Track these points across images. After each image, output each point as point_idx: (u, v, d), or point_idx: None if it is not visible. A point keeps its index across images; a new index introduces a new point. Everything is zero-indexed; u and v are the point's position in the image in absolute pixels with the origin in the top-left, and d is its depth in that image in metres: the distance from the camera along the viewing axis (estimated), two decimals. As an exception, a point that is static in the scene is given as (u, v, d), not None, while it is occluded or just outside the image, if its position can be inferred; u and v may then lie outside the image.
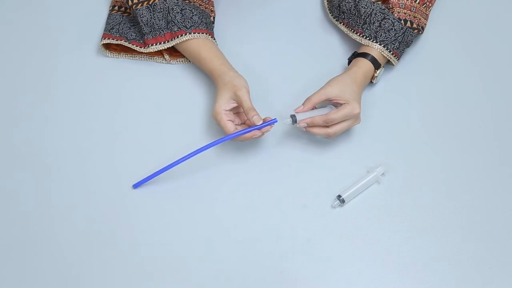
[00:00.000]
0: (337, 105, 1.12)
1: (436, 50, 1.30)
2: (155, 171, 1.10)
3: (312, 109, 1.12)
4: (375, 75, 1.20)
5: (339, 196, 1.11)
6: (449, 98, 1.24)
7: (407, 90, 1.25)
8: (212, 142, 1.08)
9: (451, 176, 1.15)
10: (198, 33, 1.21)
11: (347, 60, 1.23)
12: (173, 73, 1.26)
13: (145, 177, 1.11)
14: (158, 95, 1.23)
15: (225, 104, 1.11)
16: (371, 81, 1.21)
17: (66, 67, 1.26)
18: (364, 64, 1.18)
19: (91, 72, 1.26)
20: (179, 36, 1.20)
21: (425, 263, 1.07)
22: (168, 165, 1.08)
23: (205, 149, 1.08)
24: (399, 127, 1.20)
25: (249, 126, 1.11)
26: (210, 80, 1.23)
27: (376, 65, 1.19)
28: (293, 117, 1.10)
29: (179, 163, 1.08)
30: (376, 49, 1.19)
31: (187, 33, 1.20)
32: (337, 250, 1.08)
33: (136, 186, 1.12)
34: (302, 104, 1.12)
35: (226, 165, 1.15)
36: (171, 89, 1.24)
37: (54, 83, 1.24)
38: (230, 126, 1.10)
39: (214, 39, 1.24)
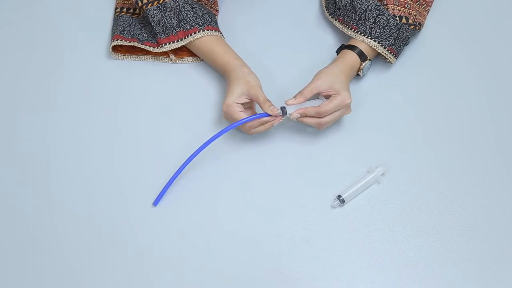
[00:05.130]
0: (327, 96, 1.13)
1: (436, 49, 1.30)
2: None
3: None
4: (361, 67, 1.20)
5: (339, 196, 1.11)
6: (449, 98, 1.24)
7: (408, 90, 1.25)
8: (225, 129, 1.09)
9: (451, 176, 1.15)
10: (211, 30, 1.21)
11: (336, 52, 1.24)
12: (179, 72, 1.26)
13: (160, 190, 1.12)
14: (166, 95, 1.23)
15: (237, 98, 1.12)
16: (358, 74, 1.21)
17: (73, 69, 1.26)
18: (350, 56, 1.19)
19: (97, 73, 1.25)
20: (193, 33, 1.21)
21: (425, 263, 1.07)
22: (179, 169, 1.10)
23: (215, 138, 1.09)
24: (399, 128, 1.20)
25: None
26: (219, 76, 1.23)
27: (363, 58, 1.19)
28: (283, 109, 1.11)
29: (192, 158, 1.10)
30: (364, 42, 1.19)
31: (201, 31, 1.20)
32: (337, 250, 1.08)
33: (156, 203, 1.11)
34: (294, 97, 1.12)
35: (225, 166, 1.15)
36: (178, 88, 1.24)
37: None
38: (243, 116, 1.11)
39: (224, 38, 1.24)
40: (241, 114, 1.11)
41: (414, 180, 1.15)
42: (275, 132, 1.18)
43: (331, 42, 1.30)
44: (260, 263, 1.07)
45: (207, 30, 1.21)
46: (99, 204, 1.11)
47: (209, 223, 1.10)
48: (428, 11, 1.27)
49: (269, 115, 1.10)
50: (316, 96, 1.15)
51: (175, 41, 1.22)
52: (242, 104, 1.13)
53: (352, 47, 1.19)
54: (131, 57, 1.26)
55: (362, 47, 1.19)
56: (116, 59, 1.26)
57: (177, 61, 1.26)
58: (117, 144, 1.18)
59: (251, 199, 1.12)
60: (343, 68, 1.16)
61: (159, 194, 1.11)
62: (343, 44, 1.22)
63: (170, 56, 1.26)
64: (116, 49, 1.27)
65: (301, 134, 1.19)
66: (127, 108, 1.22)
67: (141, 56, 1.27)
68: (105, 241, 1.08)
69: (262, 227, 1.10)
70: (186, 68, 1.26)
